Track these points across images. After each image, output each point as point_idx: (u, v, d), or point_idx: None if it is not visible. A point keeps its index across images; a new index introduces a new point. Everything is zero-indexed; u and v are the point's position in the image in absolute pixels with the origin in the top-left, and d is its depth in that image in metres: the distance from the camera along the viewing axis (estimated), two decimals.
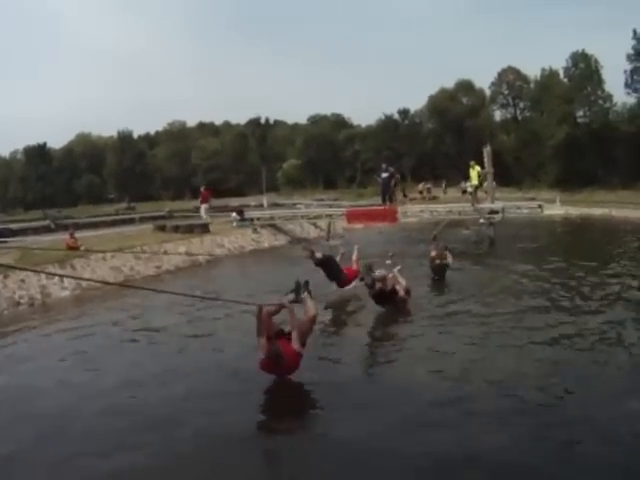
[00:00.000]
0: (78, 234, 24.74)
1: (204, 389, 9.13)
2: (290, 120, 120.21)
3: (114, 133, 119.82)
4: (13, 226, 38.86)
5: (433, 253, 16.85)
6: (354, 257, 16.57)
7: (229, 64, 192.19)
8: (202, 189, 37.07)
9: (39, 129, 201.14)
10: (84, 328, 13.72)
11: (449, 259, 16.75)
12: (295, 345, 8.63)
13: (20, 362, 11.36)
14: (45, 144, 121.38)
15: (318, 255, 15.48)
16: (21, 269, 15.00)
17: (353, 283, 15.34)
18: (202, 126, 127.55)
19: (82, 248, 21.73)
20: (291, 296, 9.83)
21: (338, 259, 15.95)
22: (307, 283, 10.24)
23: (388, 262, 14.74)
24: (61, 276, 16.98)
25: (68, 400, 9.02)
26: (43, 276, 17.75)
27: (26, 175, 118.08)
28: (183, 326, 13.27)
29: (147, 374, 10.02)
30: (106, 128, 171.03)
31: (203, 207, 34.95)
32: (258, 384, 8.98)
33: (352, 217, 27.64)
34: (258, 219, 31.66)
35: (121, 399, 8.88)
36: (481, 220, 27.04)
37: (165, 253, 22.26)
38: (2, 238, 27.77)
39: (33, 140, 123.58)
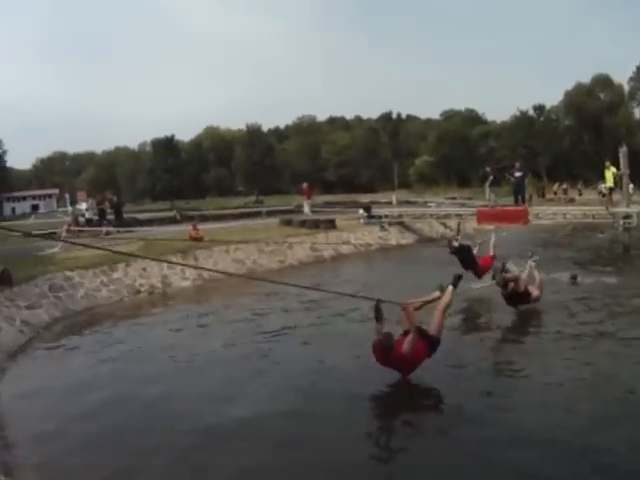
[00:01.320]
0: (204, 226, 25.92)
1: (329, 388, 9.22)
2: (422, 115, 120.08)
3: (243, 127, 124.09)
4: (140, 216, 40.99)
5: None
6: (491, 243, 16.89)
7: (359, 61, 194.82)
8: (305, 185, 37.84)
9: (167, 122, 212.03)
10: (201, 317, 14.65)
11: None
12: (406, 346, 8.79)
13: (127, 344, 12.46)
14: (173, 137, 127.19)
15: (455, 243, 16.15)
16: (145, 258, 16.06)
17: (481, 283, 15.42)
18: (332, 120, 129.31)
19: (205, 239, 22.82)
20: (450, 288, 10.01)
21: (475, 250, 16.37)
22: (460, 277, 10.41)
23: (530, 262, 14.50)
24: (183, 265, 17.97)
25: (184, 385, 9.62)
26: (165, 266, 18.93)
27: (154, 167, 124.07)
28: (305, 320, 13.64)
29: (260, 364, 10.42)
30: (234, 122, 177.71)
31: (306, 203, 35.61)
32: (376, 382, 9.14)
33: (483, 217, 27.19)
34: (386, 216, 31.78)
35: (240, 389, 9.31)
36: (615, 224, 25.80)
37: (286, 243, 22.91)
38: (128, 227, 29.58)
39: (161, 133, 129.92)
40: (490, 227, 28.19)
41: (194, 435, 7.60)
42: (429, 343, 9.04)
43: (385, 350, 8.73)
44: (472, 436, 7.18)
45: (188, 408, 8.57)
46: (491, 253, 16.42)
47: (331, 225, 29.18)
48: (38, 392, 9.82)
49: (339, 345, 11.36)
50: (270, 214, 39.41)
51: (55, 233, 27.31)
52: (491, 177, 33.98)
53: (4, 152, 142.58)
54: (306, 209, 34.79)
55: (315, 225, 28.78)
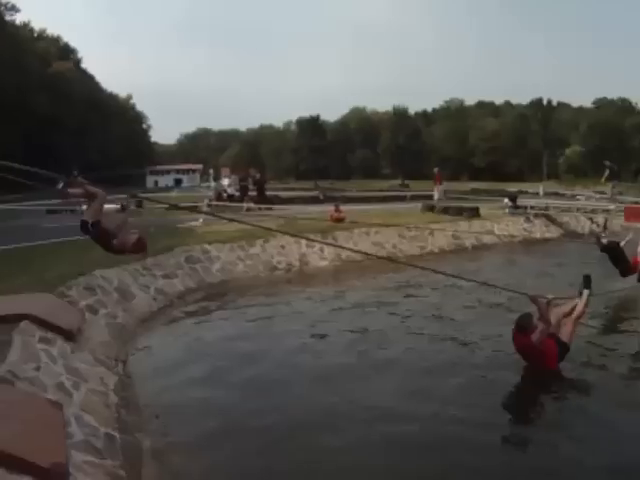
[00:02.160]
0: (346, 207, 26.06)
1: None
2: (574, 103, 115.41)
3: (389, 109, 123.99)
4: (283, 194, 41.87)
5: None
6: None
7: (510, 44, 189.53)
8: (436, 170, 37.10)
9: (313, 102, 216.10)
10: (336, 298, 14.83)
11: None
12: (536, 335, 8.63)
13: (258, 319, 12.77)
14: (318, 116, 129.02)
15: (603, 241, 15.64)
16: (285, 234, 16.23)
17: (623, 283, 14.81)
18: (481, 105, 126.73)
19: (346, 221, 22.94)
20: (586, 294, 9.72)
21: (622, 244, 15.66)
22: (589, 278, 10.08)
23: None
24: (323, 243, 18.04)
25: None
26: (303, 244, 19.17)
27: (299, 146, 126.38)
28: (446, 307, 13.49)
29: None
30: (381, 104, 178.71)
31: (437, 189, 34.89)
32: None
33: (631, 215, 25.94)
34: (532, 207, 30.81)
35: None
36: None
37: (428, 229, 22.62)
38: (270, 205, 30.22)
39: (306, 112, 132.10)
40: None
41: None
42: (559, 347, 8.87)
43: (518, 329, 8.73)
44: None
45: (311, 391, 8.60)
46: None
47: (475, 213, 28.56)
48: (165, 357, 10.31)
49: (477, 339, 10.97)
50: (414, 198, 39.19)
51: (197, 207, 28.38)
52: (607, 171, 32.32)
53: (149, 127, 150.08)
54: (436, 195, 34.13)
55: (458, 212, 28.21)
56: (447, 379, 8.95)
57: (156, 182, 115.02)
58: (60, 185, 7.53)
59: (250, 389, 8.74)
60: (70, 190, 7.62)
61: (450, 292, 14.84)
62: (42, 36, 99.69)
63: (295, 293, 15.73)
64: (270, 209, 28.30)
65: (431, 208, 29.98)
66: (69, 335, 9.17)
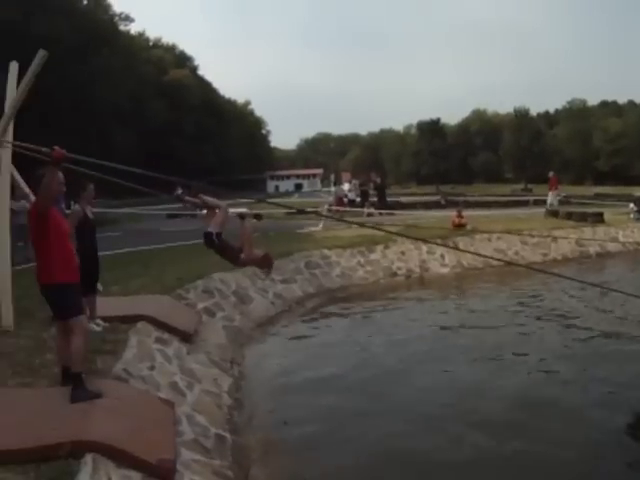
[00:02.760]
0: (468, 213, 25.60)
1: None
2: None
3: (510, 110, 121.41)
4: (403, 199, 41.54)
5: None
6: None
7: (634, 42, 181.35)
8: (550, 175, 35.61)
9: (433, 105, 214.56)
10: (457, 307, 14.58)
11: None
12: None
13: (379, 325, 12.75)
14: (439, 119, 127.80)
15: None
16: (409, 238, 16.00)
17: None
18: (604, 105, 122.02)
19: (468, 227, 22.55)
20: None
21: None
22: None
23: None
24: (444, 246, 17.76)
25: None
26: (424, 250, 19.00)
27: (419, 150, 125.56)
28: (578, 315, 13.14)
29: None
30: (502, 105, 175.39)
31: (551, 194, 33.54)
32: None
33: None
34: None
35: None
36: None
37: (550, 236, 21.90)
38: (390, 210, 30.05)
39: (426, 115, 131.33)
40: None
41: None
42: None
43: None
44: None
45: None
46: None
47: (599, 219, 27.38)
48: (280, 361, 10.44)
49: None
50: (537, 203, 38.09)
51: (317, 212, 28.67)
52: None
53: (268, 132, 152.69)
54: (550, 200, 32.92)
55: (582, 218, 27.11)
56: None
57: (277, 187, 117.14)
58: (179, 191, 7.71)
59: (362, 394, 8.69)
60: (187, 198, 7.77)
61: (578, 298, 14.46)
62: (157, 45, 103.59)
63: (414, 300, 15.55)
64: (391, 214, 28.14)
65: (554, 214, 29.01)
66: (185, 336, 9.44)
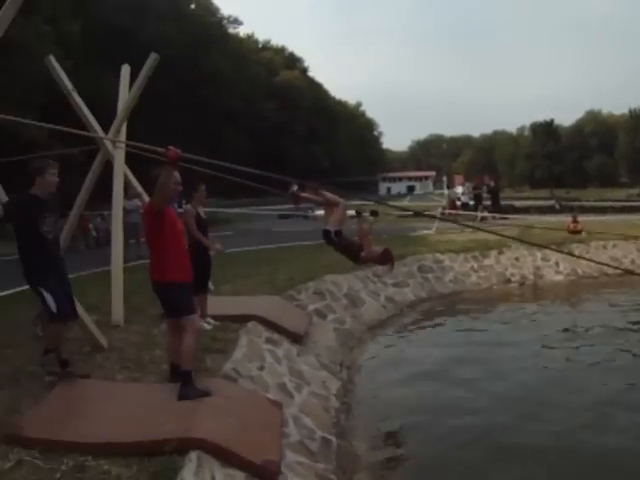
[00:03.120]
0: (582, 218, 24.71)
1: None
2: None
3: (625, 111, 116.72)
4: (517, 203, 40.62)
5: None
6: None
7: None
8: None
9: (546, 105, 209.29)
10: (575, 319, 13.83)
11: None
12: None
13: (492, 333, 12.34)
14: (552, 121, 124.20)
15: None
16: (534, 245, 15.53)
17: None
18: None
19: (583, 234, 21.76)
20: None
21: None
22: None
23: None
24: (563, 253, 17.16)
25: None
26: (538, 257, 18.43)
27: (533, 152, 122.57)
28: None
29: None
30: (617, 106, 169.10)
31: None
32: None
33: None
34: None
35: None
36: None
37: None
38: (504, 214, 29.33)
39: (540, 117, 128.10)
40: None
41: None
42: None
43: None
44: None
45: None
46: None
47: None
48: (390, 366, 10.20)
49: None
50: None
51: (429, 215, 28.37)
52: None
53: (380, 134, 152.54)
54: None
55: None
56: None
57: (389, 189, 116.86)
58: (294, 188, 7.69)
59: (475, 405, 8.37)
60: (304, 194, 7.75)
61: None
62: (267, 46, 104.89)
63: (527, 307, 15.02)
64: (505, 218, 27.48)
65: None
66: (296, 338, 9.44)
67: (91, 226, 22.89)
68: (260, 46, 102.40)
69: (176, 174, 5.85)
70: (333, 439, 6.74)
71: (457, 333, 12.68)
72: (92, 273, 11.82)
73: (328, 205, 7.74)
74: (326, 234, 7.51)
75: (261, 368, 7.58)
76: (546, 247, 13.29)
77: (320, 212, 8.98)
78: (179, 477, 4.30)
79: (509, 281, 17.66)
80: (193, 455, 4.60)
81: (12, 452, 4.60)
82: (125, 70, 10.16)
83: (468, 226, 11.20)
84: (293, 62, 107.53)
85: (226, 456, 4.80)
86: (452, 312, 14.49)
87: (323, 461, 6.09)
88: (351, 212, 8.47)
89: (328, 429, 6.95)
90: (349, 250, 7.76)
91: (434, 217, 24.39)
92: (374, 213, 8.38)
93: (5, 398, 5.82)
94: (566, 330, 12.62)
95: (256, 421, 5.67)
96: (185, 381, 5.70)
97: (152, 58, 9.56)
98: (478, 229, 10.70)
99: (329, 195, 7.79)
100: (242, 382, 6.80)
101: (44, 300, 6.04)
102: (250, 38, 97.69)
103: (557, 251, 16.49)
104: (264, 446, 5.23)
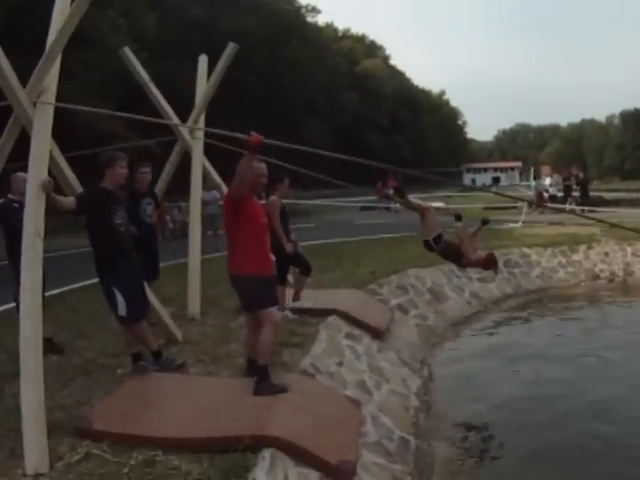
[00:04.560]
0: None
1: None
2: None
3: None
4: (606, 195, 39.51)
5: None
6: None
7: None
8: None
9: (636, 92, 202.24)
10: None
11: None
12: None
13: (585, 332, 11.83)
14: None
15: None
16: None
17: None
18: None
19: None
20: None
21: None
22: None
23: None
24: None
25: None
26: (629, 252, 17.84)
27: (623, 142, 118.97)
28: None
29: None
30: None
31: None
32: None
33: None
34: None
35: None
36: None
37: None
38: (593, 207, 28.53)
39: (630, 104, 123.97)
40: None
41: None
42: None
43: None
44: None
45: None
46: None
47: None
48: (473, 365, 10.01)
49: None
50: None
51: (515, 207, 27.81)
52: None
53: (464, 123, 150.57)
54: None
55: None
56: None
57: (473, 180, 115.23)
58: (390, 191, 7.70)
59: (560, 405, 8.09)
60: (397, 199, 7.76)
61: None
62: (347, 35, 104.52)
63: (615, 305, 14.52)
64: (593, 211, 26.71)
65: None
66: (377, 333, 9.33)
67: (168, 218, 23.23)
68: (340, 35, 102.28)
69: (262, 165, 5.83)
70: (412, 439, 6.61)
71: (544, 331, 12.29)
72: (168, 265, 11.94)
73: (419, 212, 7.70)
74: (426, 243, 7.58)
75: (340, 364, 7.50)
76: None
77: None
78: (251, 475, 4.25)
79: (598, 277, 17.07)
80: (266, 453, 4.54)
81: (81, 445, 4.68)
82: (203, 60, 10.22)
83: (588, 218, 10.63)
84: (374, 50, 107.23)
85: (300, 455, 4.73)
86: (539, 309, 14.14)
87: (400, 462, 5.96)
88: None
89: (407, 429, 6.81)
90: (452, 255, 7.75)
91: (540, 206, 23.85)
92: (458, 217, 8.27)
93: (76, 390, 5.95)
94: None
95: (333, 419, 5.58)
96: (261, 376, 5.65)
97: (230, 47, 9.58)
98: (601, 221, 10.31)
99: (415, 202, 7.78)
100: (320, 378, 6.73)
101: (114, 300, 6.09)
102: (329, 27, 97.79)
103: None
104: (340, 445, 5.12)
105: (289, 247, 8.45)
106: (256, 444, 4.59)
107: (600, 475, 6.37)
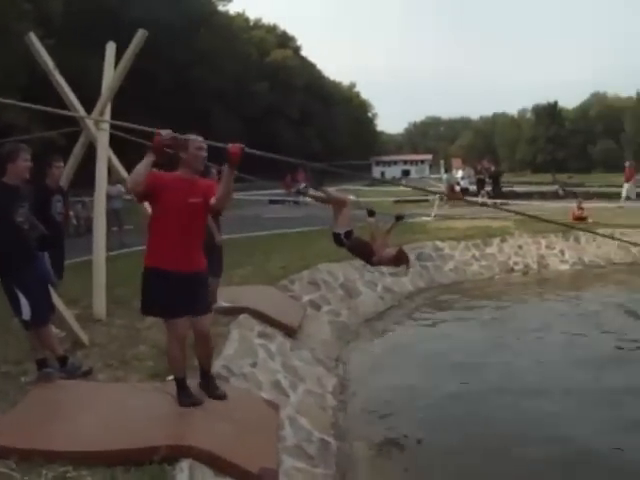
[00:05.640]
0: (587, 204, 24.62)
1: None
2: None
3: (633, 94, 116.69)
4: (518, 188, 40.63)
5: None
6: None
7: None
8: (627, 165, 33.19)
9: (549, 87, 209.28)
10: (576, 307, 13.75)
11: None
12: None
13: (491, 326, 12.20)
14: (556, 103, 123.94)
15: None
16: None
17: None
18: None
19: (589, 220, 21.62)
20: None
21: None
22: None
23: None
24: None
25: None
26: (543, 245, 18.40)
27: (535, 136, 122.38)
28: None
29: None
30: (625, 88, 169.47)
31: (626, 185, 31.32)
32: None
33: None
34: None
35: None
36: None
37: None
38: (505, 200, 29.22)
39: (542, 99, 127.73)
40: None
41: None
42: None
43: None
44: None
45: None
46: None
47: None
48: (388, 361, 10.10)
49: None
50: None
51: (427, 201, 28.23)
52: None
53: (374, 116, 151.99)
54: (624, 192, 30.78)
55: None
56: None
57: (382, 173, 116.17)
58: (302, 186, 7.58)
59: (476, 397, 8.34)
60: (311, 192, 7.65)
61: None
62: (258, 25, 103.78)
63: (530, 298, 14.98)
64: (506, 204, 27.37)
65: None
66: (289, 331, 9.28)
67: (71, 213, 22.55)
68: (251, 25, 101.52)
69: (199, 138, 5.46)
70: (332, 441, 6.60)
71: (457, 325, 12.53)
72: (72, 263, 11.52)
73: (334, 204, 7.58)
74: (336, 237, 7.40)
75: (254, 365, 7.40)
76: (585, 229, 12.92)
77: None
78: None
79: (512, 270, 17.51)
80: (184, 464, 4.42)
81: None
82: (110, 47, 9.91)
83: (507, 211, 10.89)
84: (285, 41, 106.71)
85: (220, 465, 4.61)
86: (452, 303, 14.33)
87: (322, 465, 5.94)
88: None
89: (326, 430, 6.80)
90: (361, 252, 7.68)
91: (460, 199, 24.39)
92: (371, 213, 8.25)
93: None
94: (564, 319, 12.63)
95: (252, 424, 5.46)
96: (177, 389, 5.45)
97: (140, 34, 9.31)
98: (519, 213, 10.52)
99: (334, 194, 7.68)
100: (234, 381, 6.60)
101: (17, 303, 5.84)
102: (241, 16, 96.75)
103: (594, 233, 15.98)
104: (260, 452, 5.04)
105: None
106: (173, 455, 4.45)
107: (519, 467, 6.53)
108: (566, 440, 6.93)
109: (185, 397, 5.41)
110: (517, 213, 12.04)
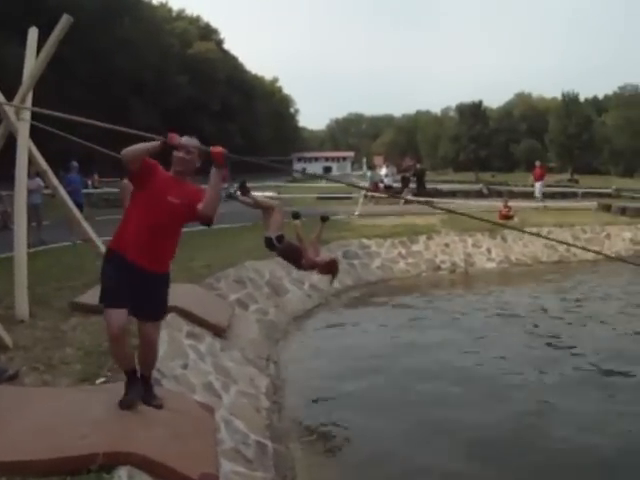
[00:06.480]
0: (512, 203, 25.25)
1: None
2: None
3: (557, 95, 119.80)
4: (441, 187, 41.23)
5: None
6: None
7: None
8: (537, 165, 34.43)
9: (473, 87, 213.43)
10: (502, 304, 14.21)
11: None
12: None
13: (420, 322, 12.53)
14: (481, 102, 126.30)
15: None
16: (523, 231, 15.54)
17: None
18: None
19: (515, 219, 22.11)
20: None
21: None
22: None
23: None
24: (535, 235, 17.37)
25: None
26: (469, 244, 18.84)
27: (458, 134, 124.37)
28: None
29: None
30: (548, 89, 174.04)
31: (538, 185, 32.54)
32: None
33: None
34: None
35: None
36: None
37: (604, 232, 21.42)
38: (429, 198, 29.60)
39: (466, 98, 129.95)
40: None
41: None
42: None
43: None
44: None
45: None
46: None
47: None
48: (318, 359, 10.28)
49: None
50: (585, 196, 37.58)
51: (351, 198, 28.34)
52: None
53: (296, 111, 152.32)
54: (536, 192, 31.88)
55: (638, 213, 26.44)
56: None
57: (304, 169, 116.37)
58: (234, 188, 7.50)
59: (406, 397, 8.50)
60: (242, 198, 7.59)
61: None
62: (181, 16, 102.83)
63: (458, 296, 15.34)
64: (430, 202, 27.76)
65: (607, 208, 28.39)
66: (218, 331, 9.17)
67: None
68: (174, 15, 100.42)
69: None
70: (268, 443, 6.56)
71: (384, 322, 12.69)
72: None
73: (263, 209, 7.54)
74: (268, 241, 7.36)
75: (185, 366, 7.28)
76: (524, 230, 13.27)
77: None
78: None
79: (439, 268, 17.85)
80: (122, 472, 4.28)
81: None
82: (33, 33, 9.57)
83: (440, 209, 11.06)
84: (208, 33, 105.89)
85: (160, 471, 4.49)
86: (378, 301, 14.52)
87: (261, 469, 5.89)
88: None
89: (262, 432, 6.76)
90: (292, 256, 7.68)
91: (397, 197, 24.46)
92: (296, 216, 8.24)
93: None
94: (490, 316, 13.06)
95: (189, 429, 5.34)
96: (126, 383, 5.27)
97: (64, 19, 9.00)
98: (451, 211, 10.70)
99: (262, 199, 7.70)
100: (166, 383, 6.45)
101: None
102: (164, 6, 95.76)
103: (530, 233, 16.40)
104: (200, 457, 4.95)
105: None
106: (110, 462, 4.30)
107: (458, 459, 6.69)
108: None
109: (133, 393, 5.23)
110: (449, 211, 12.27)
